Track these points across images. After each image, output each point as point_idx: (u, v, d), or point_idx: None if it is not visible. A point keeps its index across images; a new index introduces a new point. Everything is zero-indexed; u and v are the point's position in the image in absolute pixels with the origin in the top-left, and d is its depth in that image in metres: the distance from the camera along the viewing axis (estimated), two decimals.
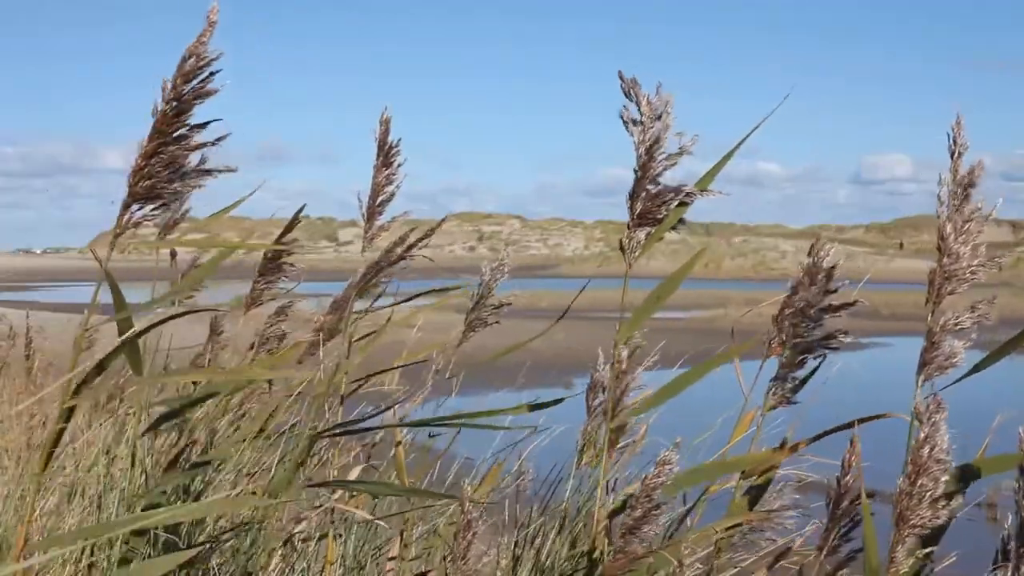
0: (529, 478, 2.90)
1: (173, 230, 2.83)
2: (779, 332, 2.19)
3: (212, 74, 1.63)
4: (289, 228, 2.72)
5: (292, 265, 2.86)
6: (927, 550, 1.77)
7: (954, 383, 1.84)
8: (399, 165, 2.58)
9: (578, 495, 2.68)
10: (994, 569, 1.70)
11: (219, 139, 1.67)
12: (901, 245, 76.42)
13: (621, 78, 1.90)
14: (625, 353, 2.15)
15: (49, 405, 4.58)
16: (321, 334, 2.75)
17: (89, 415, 3.81)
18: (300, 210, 2.77)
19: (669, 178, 1.98)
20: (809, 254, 2.12)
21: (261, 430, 2.61)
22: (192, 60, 1.62)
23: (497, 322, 2.82)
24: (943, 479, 1.66)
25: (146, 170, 1.63)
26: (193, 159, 1.67)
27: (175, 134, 1.63)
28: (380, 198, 2.59)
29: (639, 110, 1.92)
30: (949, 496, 1.69)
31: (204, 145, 1.66)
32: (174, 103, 1.62)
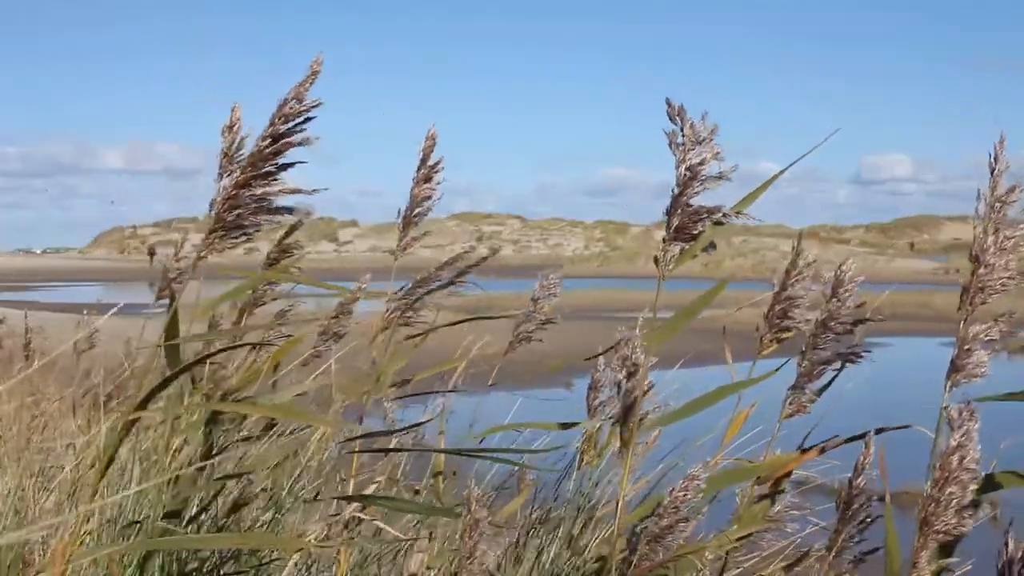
0: (531, 477, 2.90)
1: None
2: (770, 329, 2.21)
3: (309, 119, 1.66)
4: (291, 231, 2.73)
5: (299, 269, 2.87)
6: (949, 560, 1.78)
7: (988, 398, 1.85)
8: (439, 183, 2.67)
9: (579, 495, 2.68)
10: None
11: (316, 190, 1.70)
12: (912, 246, 76.50)
13: (668, 104, 1.98)
14: (642, 357, 2.17)
15: (49, 405, 4.58)
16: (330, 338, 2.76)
17: (88, 415, 3.81)
18: (307, 214, 2.79)
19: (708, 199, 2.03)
20: (793, 255, 2.14)
21: (268, 428, 2.62)
22: (294, 103, 1.65)
23: (540, 340, 2.88)
24: (971, 487, 1.67)
25: (235, 199, 1.66)
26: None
27: (267, 170, 1.67)
28: (417, 209, 2.68)
29: (683, 134, 1.98)
30: (974, 504, 1.70)
31: (299, 191, 1.69)
32: (270, 140, 1.65)
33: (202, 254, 1.68)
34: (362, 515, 2.35)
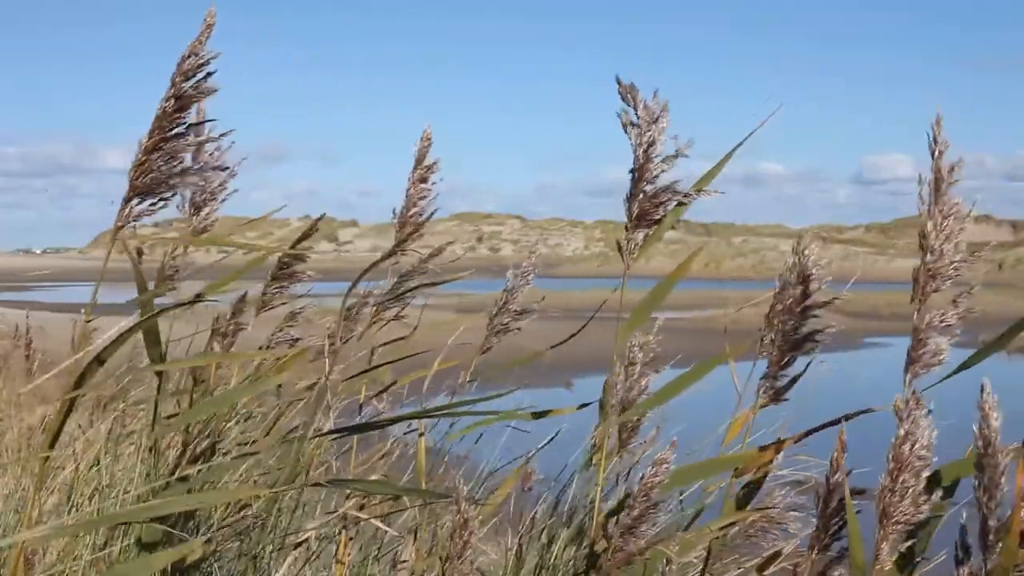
0: (536, 478, 2.90)
1: (202, 235, 2.82)
2: (770, 330, 2.20)
3: (210, 73, 1.67)
4: (306, 235, 2.74)
5: (309, 274, 2.87)
6: (909, 543, 1.78)
7: (943, 380, 1.86)
8: (434, 183, 2.68)
9: (586, 496, 2.68)
10: (957, 565, 1.71)
11: (223, 134, 1.71)
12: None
13: (619, 83, 1.93)
14: (640, 355, 2.17)
15: (51, 404, 4.58)
16: (334, 341, 2.76)
17: (91, 414, 3.81)
18: (320, 217, 2.82)
19: (667, 179, 2.00)
20: (794, 252, 2.13)
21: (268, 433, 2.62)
22: (191, 59, 1.65)
23: (519, 329, 2.84)
24: (924, 475, 1.67)
25: (146, 165, 1.66)
26: (193, 156, 1.70)
27: (174, 130, 1.67)
28: (413, 209, 2.69)
29: (636, 114, 1.94)
30: (929, 492, 1.70)
31: (206, 141, 1.70)
32: (174, 100, 1.65)
33: (119, 224, 1.68)
34: (360, 514, 2.35)
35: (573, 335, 2.56)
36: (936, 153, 1.84)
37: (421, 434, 2.75)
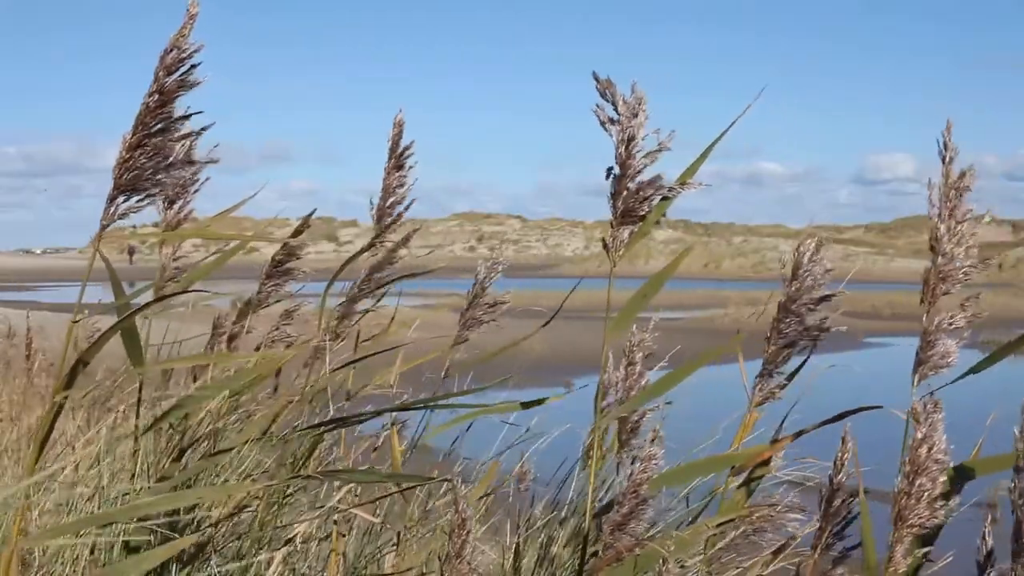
0: (531, 478, 2.89)
1: (176, 229, 2.82)
2: (774, 331, 2.19)
3: (194, 66, 1.64)
4: (299, 231, 2.72)
5: (303, 271, 2.85)
6: (925, 549, 1.77)
7: (952, 382, 1.85)
8: (410, 168, 2.60)
9: (583, 496, 2.67)
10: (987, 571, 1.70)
11: (203, 129, 1.69)
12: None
13: (596, 78, 1.92)
14: (640, 356, 2.15)
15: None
16: (326, 337, 2.75)
17: (89, 415, 3.80)
18: (311, 213, 2.79)
19: (651, 174, 1.98)
20: (793, 251, 2.13)
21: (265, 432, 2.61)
22: (173, 53, 1.63)
23: (494, 320, 2.78)
24: (941, 479, 1.67)
25: (130, 162, 1.64)
26: (179, 151, 1.68)
27: (158, 126, 1.65)
28: (391, 199, 2.61)
29: (615, 109, 1.92)
30: (946, 496, 1.70)
31: (188, 136, 1.68)
32: (156, 95, 1.63)
33: (104, 223, 1.66)
34: (357, 511, 2.34)
35: (542, 325, 2.52)
36: (947, 159, 1.84)
37: (393, 423, 2.74)
